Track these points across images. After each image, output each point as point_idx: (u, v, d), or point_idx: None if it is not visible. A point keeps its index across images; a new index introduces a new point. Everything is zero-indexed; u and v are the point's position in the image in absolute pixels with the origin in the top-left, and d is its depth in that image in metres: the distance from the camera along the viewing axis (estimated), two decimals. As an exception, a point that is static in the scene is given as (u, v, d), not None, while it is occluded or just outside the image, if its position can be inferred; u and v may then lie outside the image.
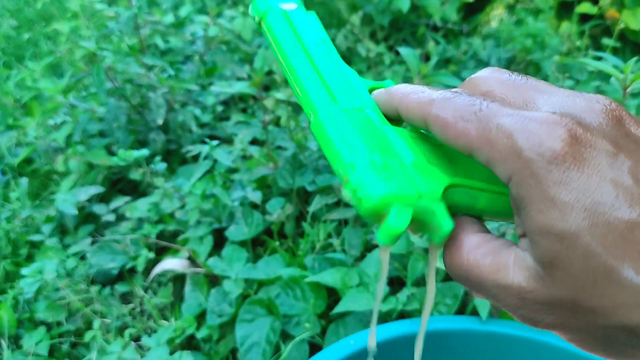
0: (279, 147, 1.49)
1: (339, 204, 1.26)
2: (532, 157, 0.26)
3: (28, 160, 1.72)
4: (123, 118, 1.59)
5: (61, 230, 1.44)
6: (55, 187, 1.60)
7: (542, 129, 0.26)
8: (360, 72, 1.92)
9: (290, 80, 0.37)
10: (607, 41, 1.86)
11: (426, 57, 1.94)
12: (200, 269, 1.18)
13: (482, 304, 0.83)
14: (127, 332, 1.12)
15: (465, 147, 0.29)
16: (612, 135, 0.27)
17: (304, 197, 1.35)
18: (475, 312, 0.92)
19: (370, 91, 0.37)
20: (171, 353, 1.01)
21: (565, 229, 0.25)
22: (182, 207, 1.34)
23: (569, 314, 0.27)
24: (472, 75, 0.33)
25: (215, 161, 1.40)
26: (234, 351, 1.07)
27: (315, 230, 1.20)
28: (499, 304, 0.29)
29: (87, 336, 1.11)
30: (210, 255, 1.23)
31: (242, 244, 1.24)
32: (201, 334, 1.07)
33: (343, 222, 1.24)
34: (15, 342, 1.15)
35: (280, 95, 1.44)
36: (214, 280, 1.18)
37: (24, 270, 1.17)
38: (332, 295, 1.05)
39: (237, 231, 1.24)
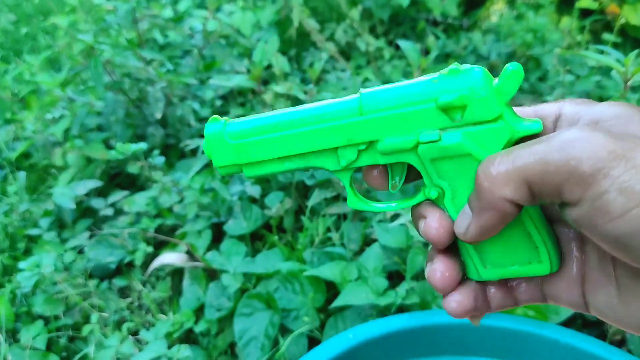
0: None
1: (338, 198, 1.26)
2: None
3: (26, 155, 1.72)
4: (121, 112, 1.58)
5: (59, 224, 1.44)
6: (53, 181, 1.59)
7: None
8: (359, 67, 1.92)
9: None
10: (607, 36, 1.85)
11: (426, 52, 1.94)
12: (198, 263, 1.18)
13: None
14: (125, 326, 1.11)
15: None
16: None
17: (303, 191, 1.35)
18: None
19: None
20: (169, 347, 1.01)
21: None
22: (181, 201, 1.34)
23: None
24: None
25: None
26: (232, 345, 1.07)
27: (314, 224, 1.20)
28: None
29: (85, 330, 1.10)
30: (208, 249, 1.23)
31: (241, 238, 1.23)
32: (199, 328, 1.06)
33: (342, 217, 1.24)
34: (12, 335, 1.15)
35: (279, 88, 1.43)
36: (212, 275, 1.17)
37: (22, 264, 1.17)
38: (331, 289, 1.04)
39: (236, 225, 1.24)
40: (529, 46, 1.92)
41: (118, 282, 1.25)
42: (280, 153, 0.40)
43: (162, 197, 1.33)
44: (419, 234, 0.40)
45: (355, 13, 1.96)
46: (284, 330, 1.01)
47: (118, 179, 1.60)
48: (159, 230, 1.33)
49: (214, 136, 0.42)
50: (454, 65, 0.36)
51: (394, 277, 1.07)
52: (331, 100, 0.40)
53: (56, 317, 1.17)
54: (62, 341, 1.13)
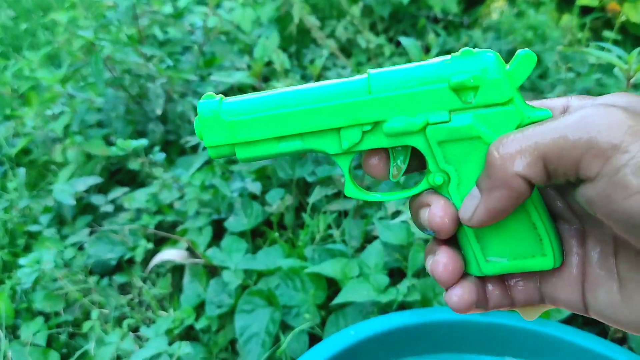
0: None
1: (339, 195, 1.26)
2: None
3: (26, 151, 1.71)
4: (121, 108, 1.58)
5: (59, 220, 1.43)
6: (53, 177, 1.59)
7: None
8: (360, 64, 1.91)
9: None
10: (608, 34, 1.85)
11: (426, 49, 1.93)
12: (199, 259, 1.18)
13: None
14: (125, 323, 1.11)
15: None
16: None
17: (304, 188, 1.35)
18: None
19: None
20: (170, 343, 1.01)
21: None
22: (181, 197, 1.34)
23: None
24: None
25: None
26: (233, 342, 1.07)
27: (315, 221, 1.20)
28: None
29: (85, 326, 1.10)
30: (209, 246, 1.23)
31: (242, 234, 1.23)
32: (200, 325, 1.06)
33: (343, 213, 1.24)
34: (12, 332, 1.15)
35: (279, 85, 1.43)
36: (213, 271, 1.17)
37: (22, 261, 1.16)
38: (332, 286, 1.04)
39: (237, 222, 1.24)
40: (529, 44, 1.92)
41: (118, 278, 1.25)
42: (280, 132, 0.38)
43: (162, 194, 1.33)
44: (420, 224, 0.39)
45: (355, 10, 1.96)
46: (285, 327, 1.01)
47: (118, 175, 1.60)
48: (159, 226, 1.33)
49: (207, 112, 0.39)
50: (467, 48, 0.36)
51: (395, 274, 1.07)
52: (337, 80, 0.39)
53: (56, 314, 1.17)
54: (63, 338, 1.13)
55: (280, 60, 1.59)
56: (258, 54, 1.51)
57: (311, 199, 1.21)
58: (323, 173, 1.25)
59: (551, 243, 0.37)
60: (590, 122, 0.30)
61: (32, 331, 1.11)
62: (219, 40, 1.76)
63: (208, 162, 1.37)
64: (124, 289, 1.26)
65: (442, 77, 0.36)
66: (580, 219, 0.37)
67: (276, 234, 1.21)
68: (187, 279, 1.17)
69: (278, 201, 1.25)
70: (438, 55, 1.86)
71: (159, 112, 1.52)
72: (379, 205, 1.18)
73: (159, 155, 1.37)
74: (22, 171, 1.53)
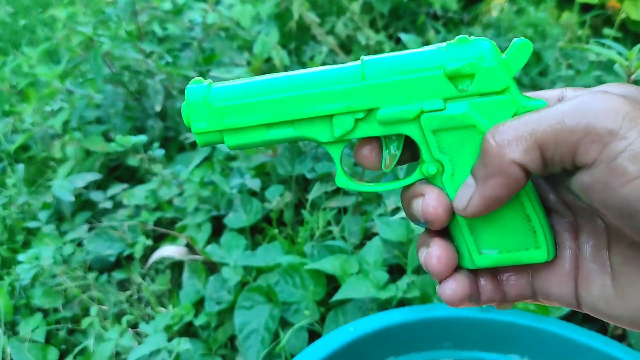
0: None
1: (339, 191, 1.26)
2: None
3: (24, 147, 1.71)
4: (120, 104, 1.58)
5: (58, 217, 1.43)
6: (52, 173, 1.59)
7: None
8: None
9: None
10: (608, 31, 1.85)
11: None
12: (198, 256, 1.17)
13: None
14: (124, 319, 1.11)
15: None
16: None
17: (303, 184, 1.34)
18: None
19: None
20: (169, 340, 1.00)
21: None
22: (180, 194, 1.33)
23: None
24: None
25: (213, 148, 1.39)
26: (232, 338, 1.07)
27: (314, 217, 1.19)
28: None
29: (84, 323, 1.10)
30: (208, 242, 1.23)
31: (241, 231, 1.23)
32: (199, 321, 1.06)
33: (342, 210, 1.24)
34: (11, 328, 1.14)
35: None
36: (212, 268, 1.17)
37: (21, 257, 1.16)
38: (332, 283, 1.04)
39: (236, 218, 1.24)
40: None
41: (117, 275, 1.25)
42: (270, 118, 0.37)
43: (161, 190, 1.32)
44: (412, 215, 0.38)
45: (355, 6, 1.95)
46: (285, 324, 1.01)
47: (117, 171, 1.59)
48: (158, 223, 1.33)
49: (196, 97, 0.38)
50: (462, 35, 0.36)
51: (395, 271, 1.07)
52: (330, 66, 0.38)
53: (55, 310, 1.17)
54: (62, 334, 1.13)
55: (280, 56, 1.59)
56: (257, 50, 1.50)
57: (311, 196, 1.21)
58: (322, 169, 1.25)
59: (545, 235, 0.36)
60: (587, 108, 0.30)
61: (31, 327, 1.10)
62: (218, 36, 1.75)
63: (207, 159, 1.37)
64: (123, 285, 1.25)
65: (438, 65, 0.36)
66: (573, 212, 0.36)
67: (275, 231, 1.21)
68: (186, 275, 1.17)
69: (277, 198, 1.25)
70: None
71: (158, 108, 1.52)
72: (379, 201, 1.18)
73: (158, 152, 1.36)
74: (21, 167, 1.52)
